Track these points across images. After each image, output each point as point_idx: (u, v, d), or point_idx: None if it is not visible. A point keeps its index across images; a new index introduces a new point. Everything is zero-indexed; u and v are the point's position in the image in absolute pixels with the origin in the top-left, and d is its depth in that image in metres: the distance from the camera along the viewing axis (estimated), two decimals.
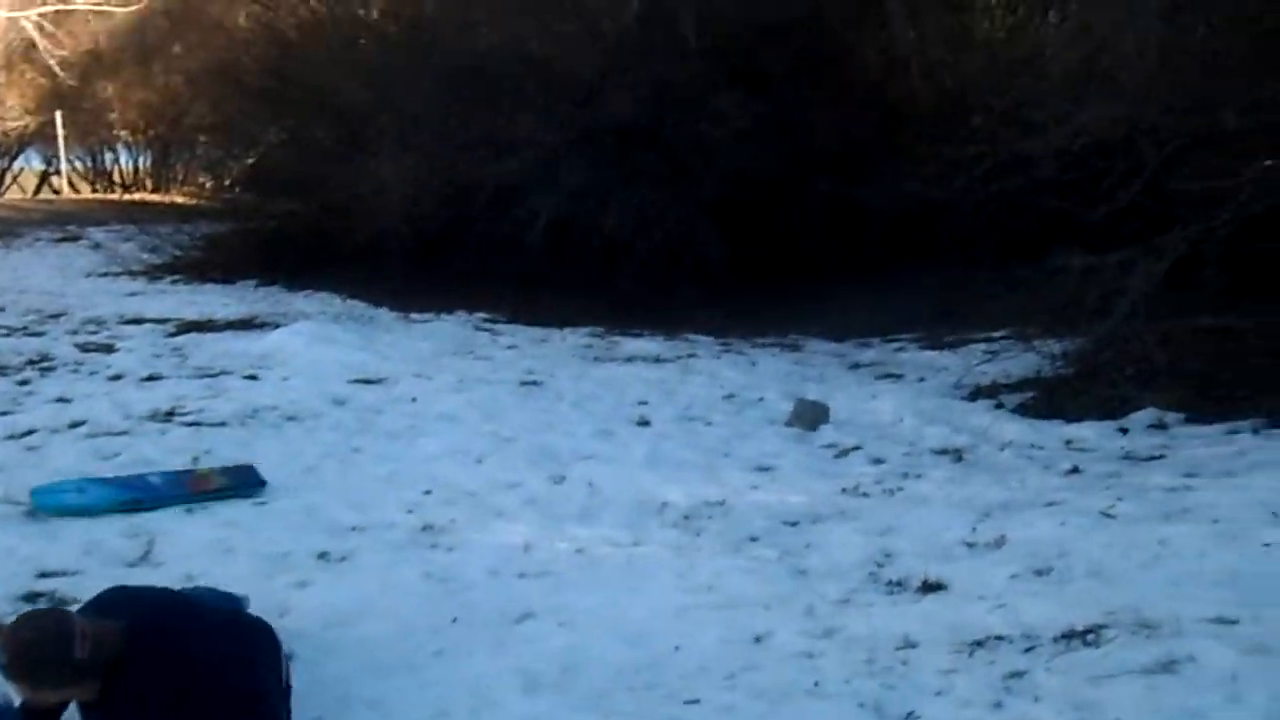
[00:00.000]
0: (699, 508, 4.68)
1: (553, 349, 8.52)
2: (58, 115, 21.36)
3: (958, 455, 5.37)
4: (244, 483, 5.02)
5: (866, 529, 4.23)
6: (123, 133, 24.17)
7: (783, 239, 10.26)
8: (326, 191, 12.94)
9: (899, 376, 7.36)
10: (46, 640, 2.62)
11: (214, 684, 2.72)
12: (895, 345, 8.46)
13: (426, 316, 9.68)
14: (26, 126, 22.95)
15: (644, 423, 6.24)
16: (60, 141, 22.02)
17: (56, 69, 18.71)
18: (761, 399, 6.73)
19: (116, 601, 2.91)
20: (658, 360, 8.01)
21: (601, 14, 10.61)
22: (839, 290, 10.02)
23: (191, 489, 4.94)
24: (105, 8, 18.65)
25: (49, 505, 4.68)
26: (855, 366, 7.83)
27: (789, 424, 6.09)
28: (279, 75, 12.83)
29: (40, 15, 19.16)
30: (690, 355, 8.20)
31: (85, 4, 18.40)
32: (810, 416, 6.01)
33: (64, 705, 2.75)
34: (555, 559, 4.21)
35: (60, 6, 17.33)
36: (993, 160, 7.12)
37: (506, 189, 10.27)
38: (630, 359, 8.07)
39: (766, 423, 6.20)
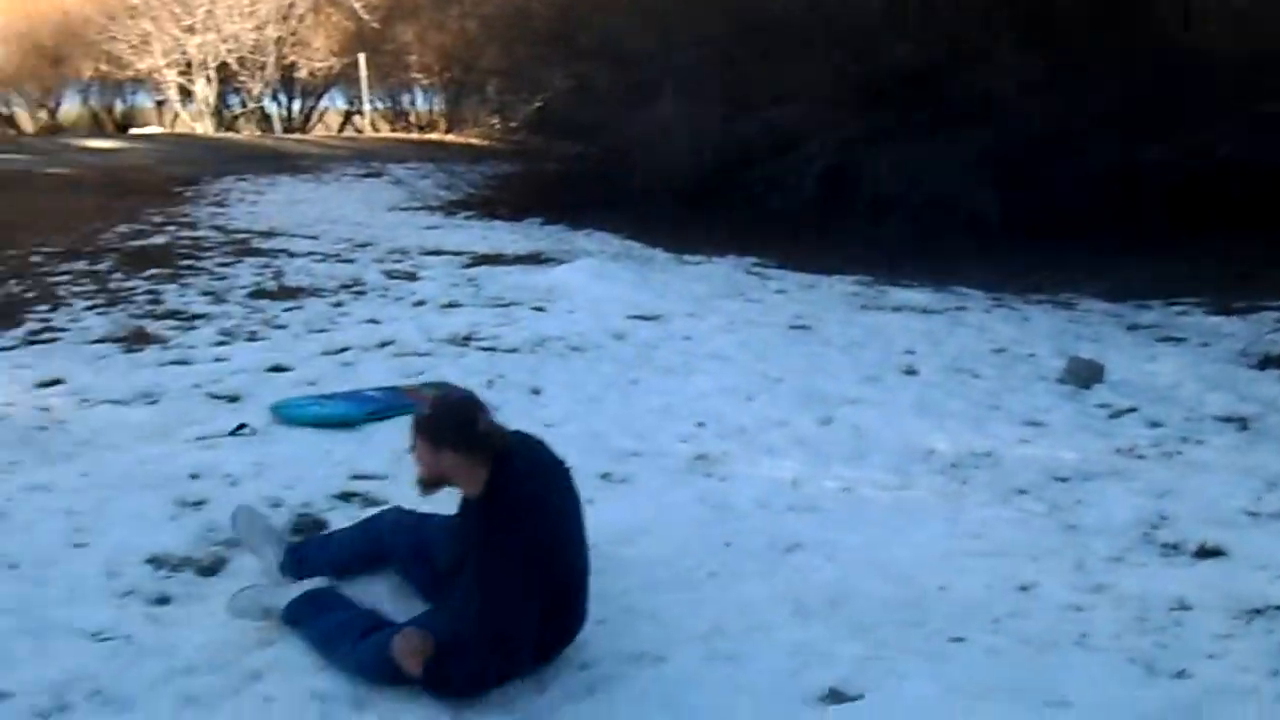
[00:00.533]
0: (966, 457, 4.73)
1: (821, 295, 8.60)
2: (360, 58, 22.81)
3: (1243, 424, 5.17)
4: None
5: (1141, 490, 4.18)
6: (419, 76, 25.57)
7: (1060, 196, 9.93)
8: (608, 135, 13.44)
9: (1180, 340, 7.06)
10: (461, 408, 3.10)
11: (575, 508, 3.18)
12: (1177, 309, 8.09)
13: (699, 259, 9.94)
14: (331, 68, 24.62)
15: (911, 371, 6.27)
16: (363, 83, 23.50)
17: (361, 12, 19.98)
18: (1032, 355, 6.63)
19: None
20: (925, 311, 7.97)
21: None
22: (1116, 251, 9.62)
23: (417, 399, 5.29)
24: None
25: (291, 416, 5.12)
26: (1133, 328, 7.55)
27: (1061, 380, 5.99)
28: (568, 22, 13.33)
29: None
30: (959, 308, 8.11)
31: None
32: (1084, 374, 5.89)
33: (447, 480, 3.08)
34: (822, 496, 4.36)
35: None
36: None
37: (784, 136, 10.39)
38: (898, 308, 8.07)
39: (1037, 378, 6.12)
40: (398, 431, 5.00)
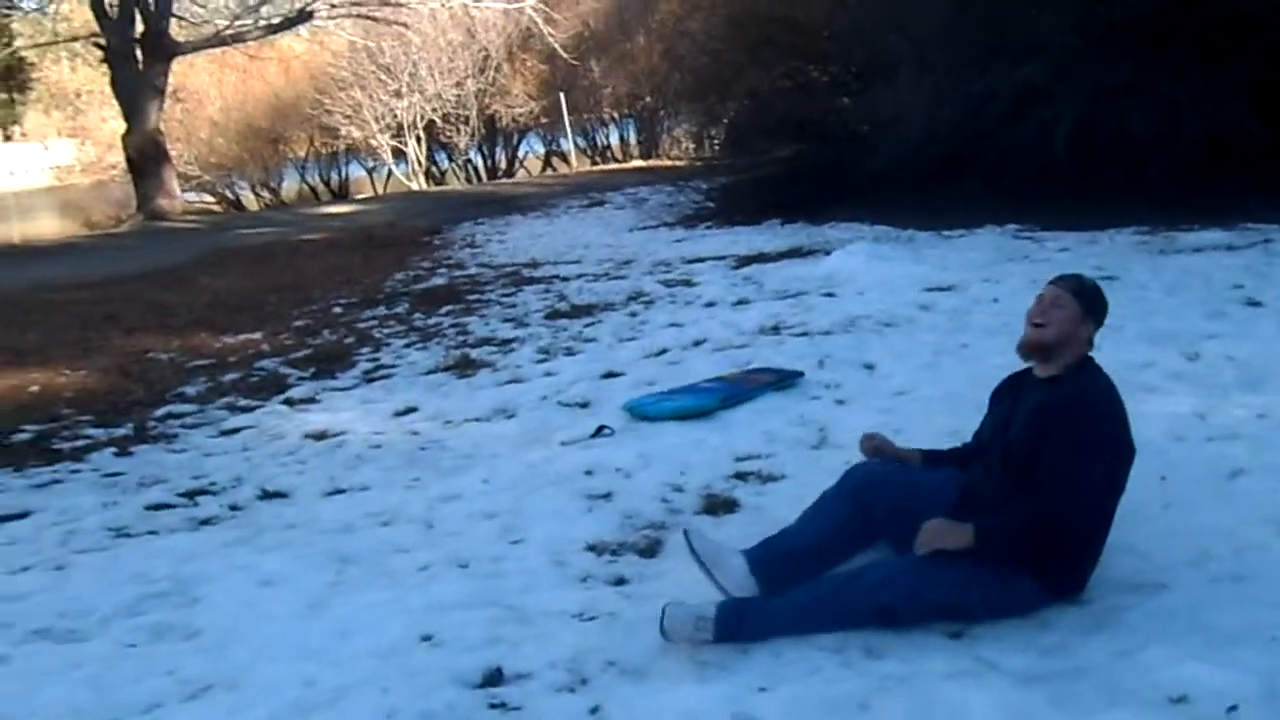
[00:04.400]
0: None
1: (1107, 247, 8.30)
2: (561, 96, 23.39)
3: None
4: (787, 376, 5.54)
5: None
6: (611, 109, 26.13)
7: None
8: (827, 126, 13.35)
9: None
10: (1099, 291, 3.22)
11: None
12: None
13: (959, 233, 9.73)
14: (531, 112, 25.34)
15: (1254, 303, 5.99)
16: (565, 121, 24.09)
17: (560, 50, 20.48)
18: None
19: None
20: (1230, 248, 7.60)
21: None
22: None
23: (752, 384, 5.46)
24: None
25: (648, 412, 5.22)
26: None
27: None
28: (780, 22, 13.31)
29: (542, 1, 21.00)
30: (1265, 240, 7.69)
31: None
32: None
33: (1061, 350, 3.15)
34: (1239, 423, 4.19)
35: None
36: None
37: (1026, 96, 10.07)
38: (1198, 249, 7.72)
39: None
40: (753, 414, 5.12)
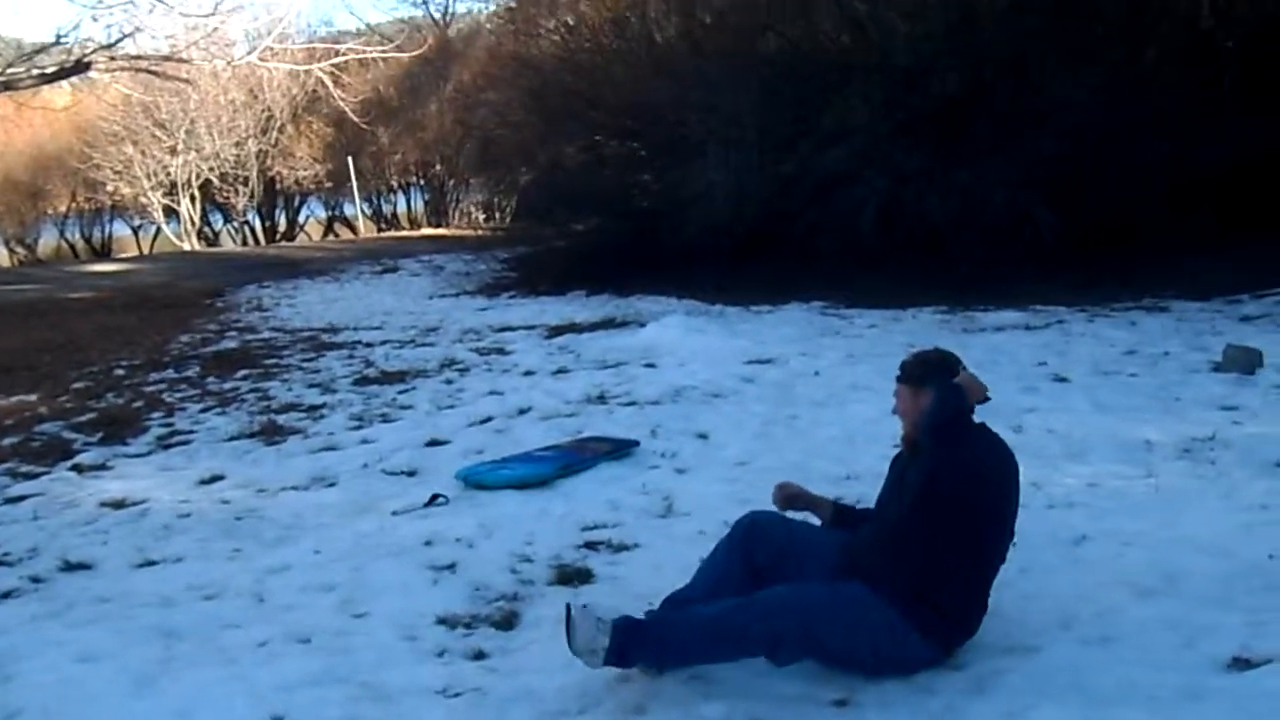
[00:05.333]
0: (1190, 442, 4.70)
1: (914, 325, 8.61)
2: (349, 161, 22.88)
3: None
4: (622, 445, 5.45)
5: None
6: (396, 177, 25.78)
7: (1115, 205, 10.05)
8: (629, 200, 13.45)
9: None
10: (941, 354, 3.33)
11: (1014, 507, 3.17)
12: (1272, 299, 8.17)
13: (767, 308, 9.92)
14: (315, 175, 24.68)
15: (1061, 379, 6.26)
16: (354, 186, 23.56)
17: (352, 114, 20.01)
18: (1167, 353, 6.66)
19: None
20: (1028, 328, 8.00)
21: None
22: (1170, 253, 9.69)
23: (588, 452, 5.35)
24: (390, 54, 19.84)
25: (484, 481, 5.02)
26: (1244, 319, 7.61)
27: (1218, 368, 6.00)
28: (582, 96, 13.41)
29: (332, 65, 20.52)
30: (1060, 321, 8.15)
31: (376, 52, 19.62)
32: (1245, 361, 5.92)
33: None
34: (1072, 492, 4.31)
35: (353, 55, 18.52)
36: None
37: (832, 179, 10.44)
38: (999, 328, 8.09)
39: (1190, 371, 6.14)
40: (594, 482, 4.98)
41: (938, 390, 3.16)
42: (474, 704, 2.99)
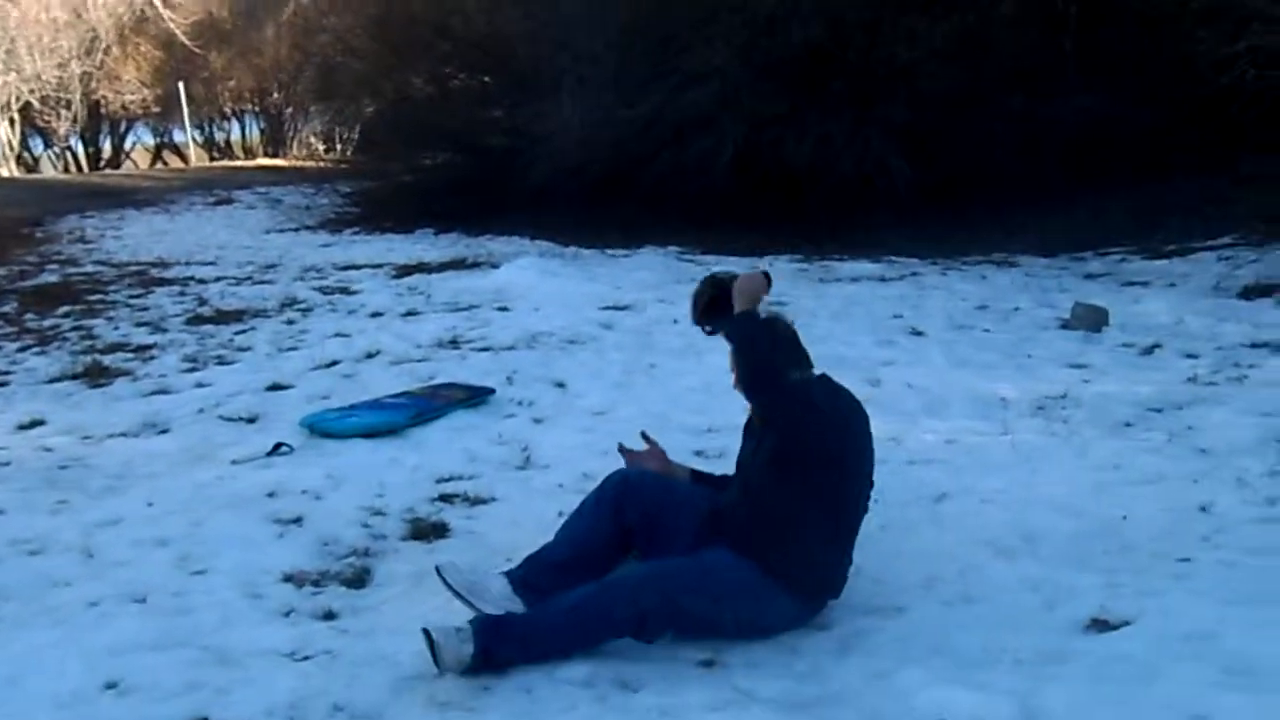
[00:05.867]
0: (1044, 400, 4.77)
1: (772, 273, 8.57)
2: (180, 86, 21.72)
3: (1276, 347, 5.38)
4: (478, 393, 5.25)
5: (1245, 410, 4.29)
6: (230, 104, 24.62)
7: (966, 161, 10.23)
8: (480, 137, 13.09)
9: (1144, 284, 7.35)
10: (711, 294, 3.21)
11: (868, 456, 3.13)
12: (1115, 257, 8.44)
13: (622, 252, 9.77)
14: (143, 100, 23.37)
15: (917, 332, 6.31)
16: (184, 112, 22.38)
17: (181, 36, 18.94)
18: (1017, 308, 6.79)
19: None
20: (883, 279, 8.07)
21: None
22: (1018, 210, 9.95)
23: (442, 399, 5.14)
24: None
25: (331, 429, 4.78)
26: (1089, 277, 7.83)
27: (1065, 326, 6.15)
28: (432, 26, 12.92)
29: None
30: (913, 274, 8.24)
31: None
32: (1092, 319, 6.06)
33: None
34: (931, 449, 4.32)
35: None
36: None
37: (690, 121, 10.33)
38: (855, 279, 8.13)
39: (1039, 328, 6.26)
40: (448, 431, 4.78)
41: (728, 334, 3.09)
42: (325, 667, 2.81)
